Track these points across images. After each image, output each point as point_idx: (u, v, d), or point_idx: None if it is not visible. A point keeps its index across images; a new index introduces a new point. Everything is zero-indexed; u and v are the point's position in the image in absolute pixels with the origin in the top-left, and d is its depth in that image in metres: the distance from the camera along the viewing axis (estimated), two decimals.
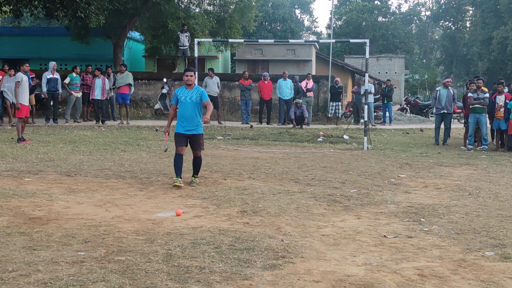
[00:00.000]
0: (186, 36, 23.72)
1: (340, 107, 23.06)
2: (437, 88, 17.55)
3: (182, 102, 9.10)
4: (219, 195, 8.09)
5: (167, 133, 9.58)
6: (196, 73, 15.71)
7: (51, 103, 19.86)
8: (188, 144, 9.13)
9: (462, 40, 69.12)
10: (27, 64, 14.49)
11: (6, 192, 7.85)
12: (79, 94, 20.17)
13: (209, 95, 20.73)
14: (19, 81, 13.84)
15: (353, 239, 5.96)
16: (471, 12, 70.27)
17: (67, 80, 19.87)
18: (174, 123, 9.17)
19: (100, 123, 19.76)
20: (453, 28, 72.08)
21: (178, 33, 23.91)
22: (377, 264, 5.09)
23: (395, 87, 28.30)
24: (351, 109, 24.91)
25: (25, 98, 13.88)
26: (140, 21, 27.09)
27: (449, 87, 16.81)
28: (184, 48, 23.80)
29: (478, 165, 12.10)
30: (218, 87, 21.19)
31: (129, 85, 20.13)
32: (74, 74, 20.07)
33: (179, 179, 8.96)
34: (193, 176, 9.30)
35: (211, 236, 5.84)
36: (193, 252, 5.24)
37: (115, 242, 5.55)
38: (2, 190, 7.94)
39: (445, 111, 16.58)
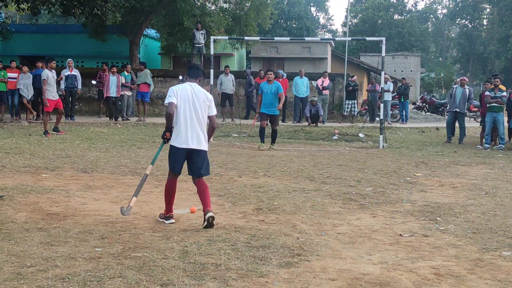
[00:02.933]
0: (202, 33, 23.75)
1: (356, 105, 22.98)
2: (454, 86, 17.42)
3: (265, 93, 13.50)
4: (234, 192, 8.11)
5: (257, 114, 14.73)
6: (212, 70, 15.96)
7: (70, 100, 20.07)
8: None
9: (479, 38, 68.57)
10: (54, 61, 15.21)
11: (24, 188, 7.93)
12: (130, 93, 20.32)
13: (224, 93, 20.95)
14: (45, 79, 14.66)
15: (369, 237, 5.95)
16: (488, 10, 69.66)
17: (123, 80, 20.04)
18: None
19: (114, 120, 19.89)
20: (470, 26, 71.53)
21: (194, 30, 23.97)
22: (393, 262, 5.08)
23: (410, 85, 28.14)
24: (366, 107, 24.83)
25: (52, 93, 14.77)
26: (156, 18, 27.20)
27: (466, 86, 16.68)
28: (200, 45, 23.83)
29: (495, 164, 12.02)
30: (233, 85, 21.19)
31: (147, 83, 20.30)
32: (126, 73, 20.24)
33: (263, 144, 13.72)
34: (271, 143, 13.78)
35: (227, 233, 5.86)
36: (209, 249, 5.26)
37: (132, 239, 5.59)
38: (20, 186, 8.02)
39: (458, 110, 16.46)
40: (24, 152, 11.51)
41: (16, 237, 5.52)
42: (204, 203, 6.15)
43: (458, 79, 17.71)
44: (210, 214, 6.00)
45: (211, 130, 6.45)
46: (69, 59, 20.18)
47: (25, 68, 18.95)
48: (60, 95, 20.71)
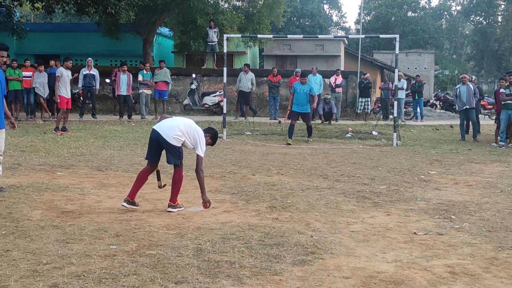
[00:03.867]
0: (215, 32, 23.78)
1: (369, 103, 22.89)
2: (457, 86, 17.34)
3: (297, 92, 14.60)
4: (248, 190, 8.12)
5: (288, 111, 15.63)
6: (225, 68, 16.01)
7: (88, 99, 20.14)
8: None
9: (493, 35, 67.92)
10: (70, 61, 15.36)
11: (40, 186, 8.00)
12: (149, 91, 20.30)
13: (241, 91, 20.95)
14: (59, 76, 14.98)
15: (383, 235, 5.93)
16: (503, 6, 69.00)
17: (140, 78, 20.06)
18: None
19: (128, 118, 19.93)
20: (485, 23, 70.88)
21: (207, 29, 24.00)
22: (407, 261, 5.07)
23: (424, 83, 27.95)
24: (379, 105, 24.73)
25: (65, 91, 15.07)
26: (170, 17, 27.25)
27: (468, 83, 16.56)
28: (213, 43, 23.88)
29: (510, 162, 11.93)
30: (252, 83, 21.11)
31: (166, 82, 20.29)
32: (144, 71, 20.26)
33: (290, 139, 14.66)
34: (308, 137, 15.23)
35: (241, 231, 5.87)
36: (223, 247, 5.27)
37: (146, 236, 5.62)
38: (35, 184, 8.09)
39: (467, 107, 16.36)
40: (39, 150, 11.60)
41: (32, 234, 5.57)
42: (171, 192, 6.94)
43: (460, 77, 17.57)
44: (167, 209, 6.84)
45: (196, 174, 6.88)
46: (89, 58, 20.15)
47: (41, 67, 19.07)
48: (74, 94, 20.93)
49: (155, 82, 20.22)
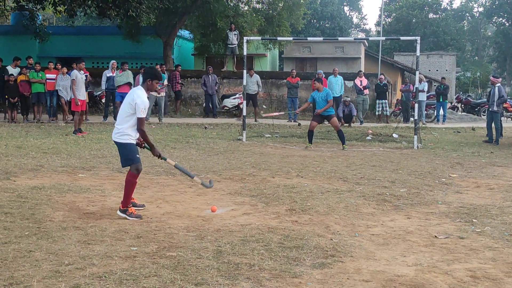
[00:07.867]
0: (235, 34, 23.86)
1: (386, 105, 22.76)
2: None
3: (317, 102, 14.37)
4: (267, 193, 8.13)
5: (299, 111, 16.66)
6: (245, 71, 16.05)
7: (110, 101, 20.23)
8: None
9: None
10: (83, 63, 15.46)
11: (62, 187, 8.09)
12: (162, 94, 20.23)
13: (247, 94, 21.15)
14: (74, 79, 15.21)
15: (403, 239, 5.90)
16: None
17: None
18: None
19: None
20: (507, 24, 70.14)
21: (227, 31, 24.08)
22: (428, 264, 5.04)
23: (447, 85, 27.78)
24: (400, 107, 24.60)
25: (81, 94, 15.31)
26: (190, 19, 27.41)
27: (496, 85, 16.35)
28: (233, 46, 23.97)
29: None
30: (258, 85, 21.13)
31: (129, 84, 18.76)
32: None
33: (310, 144, 14.46)
34: (342, 144, 14.39)
35: (260, 233, 5.88)
36: (242, 249, 5.29)
37: (166, 238, 5.65)
38: (58, 186, 8.18)
39: (490, 109, 16.20)
40: (61, 152, 11.72)
41: (54, 235, 5.63)
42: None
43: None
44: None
45: (139, 133, 6.66)
46: (113, 61, 19.91)
47: (64, 69, 19.23)
48: (96, 96, 21.11)
49: (118, 86, 18.82)
